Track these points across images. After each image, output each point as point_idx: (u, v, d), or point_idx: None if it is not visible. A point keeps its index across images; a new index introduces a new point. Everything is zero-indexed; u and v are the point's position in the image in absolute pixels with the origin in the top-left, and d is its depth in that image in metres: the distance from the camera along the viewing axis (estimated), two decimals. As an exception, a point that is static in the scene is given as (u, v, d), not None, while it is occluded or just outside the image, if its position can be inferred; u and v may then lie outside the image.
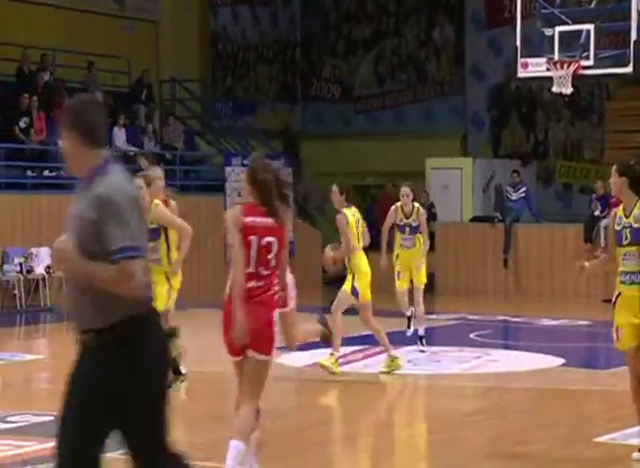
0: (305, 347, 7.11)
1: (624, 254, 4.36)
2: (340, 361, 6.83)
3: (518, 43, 9.67)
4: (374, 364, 7.37)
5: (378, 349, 7.39)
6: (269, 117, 16.83)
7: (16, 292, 11.65)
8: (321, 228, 14.68)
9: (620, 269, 4.34)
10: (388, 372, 6.88)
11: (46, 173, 13.14)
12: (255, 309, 3.78)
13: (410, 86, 16.29)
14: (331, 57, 17.15)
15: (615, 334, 4.37)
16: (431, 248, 9.54)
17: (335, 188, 7.11)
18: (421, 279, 8.17)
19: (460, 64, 15.76)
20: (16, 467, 5.01)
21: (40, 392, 7.79)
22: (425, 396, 7.04)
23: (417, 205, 8.28)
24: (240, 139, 15.91)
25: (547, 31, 9.35)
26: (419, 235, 8.26)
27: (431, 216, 12.33)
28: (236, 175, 13.80)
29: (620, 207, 4.37)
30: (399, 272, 7.97)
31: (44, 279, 11.63)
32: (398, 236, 8.17)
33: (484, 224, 13.43)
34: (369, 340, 7.94)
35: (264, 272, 3.82)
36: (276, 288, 3.93)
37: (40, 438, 5.29)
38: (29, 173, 13.05)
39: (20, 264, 11.76)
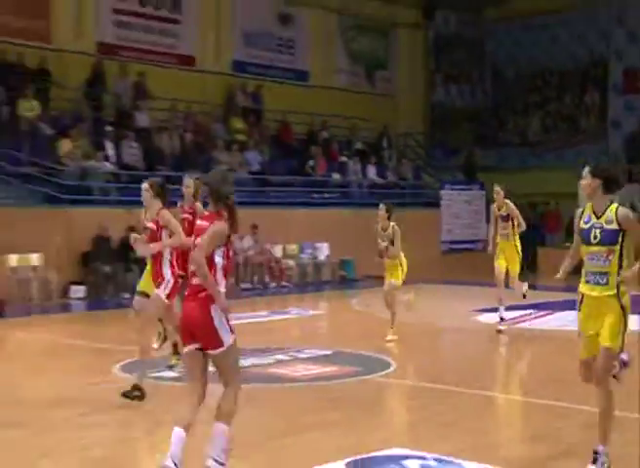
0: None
1: (590, 254, 4.10)
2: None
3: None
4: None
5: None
6: (469, 157, 20.93)
7: (308, 270, 15.66)
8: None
9: (584, 269, 4.10)
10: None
11: (326, 195, 16.99)
12: (196, 306, 3.71)
13: (567, 134, 20.46)
14: (512, 115, 21.44)
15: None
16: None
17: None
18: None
19: (604, 119, 19.92)
20: (319, 381, 6.53)
21: (320, 333, 10.44)
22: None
23: (506, 200, 9.19)
24: (450, 172, 20.24)
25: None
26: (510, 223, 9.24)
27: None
28: (448, 196, 18.27)
29: (589, 205, 4.11)
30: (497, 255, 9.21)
31: (322, 263, 15.84)
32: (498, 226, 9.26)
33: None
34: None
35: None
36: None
37: (331, 365, 7.20)
38: (315, 195, 16.76)
39: (310, 253, 15.97)
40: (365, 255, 11.86)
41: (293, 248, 15.67)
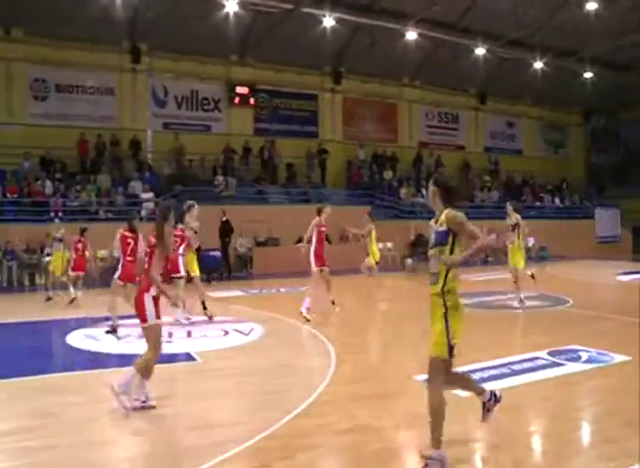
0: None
1: (430, 257, 4.48)
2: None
3: None
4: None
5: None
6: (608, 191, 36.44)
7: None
8: None
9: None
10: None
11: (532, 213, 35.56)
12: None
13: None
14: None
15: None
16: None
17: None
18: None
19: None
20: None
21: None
22: None
23: (515, 214, 11.91)
24: (599, 200, 34.61)
25: None
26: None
27: None
28: (598, 212, 32.60)
29: None
30: None
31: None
32: None
33: None
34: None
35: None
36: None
37: (536, 300, 12.97)
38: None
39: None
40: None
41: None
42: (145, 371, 6.09)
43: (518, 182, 32.52)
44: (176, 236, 11.60)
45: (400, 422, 5.72)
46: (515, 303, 12.21)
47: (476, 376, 6.67)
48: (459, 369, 5.24)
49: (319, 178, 27.63)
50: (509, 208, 12.04)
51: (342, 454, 5.13)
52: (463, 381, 5.04)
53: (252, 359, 8.32)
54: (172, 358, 8.65)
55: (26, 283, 18.77)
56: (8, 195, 20.89)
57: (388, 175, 28.58)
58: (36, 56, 23.33)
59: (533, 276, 12.95)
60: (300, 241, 20.14)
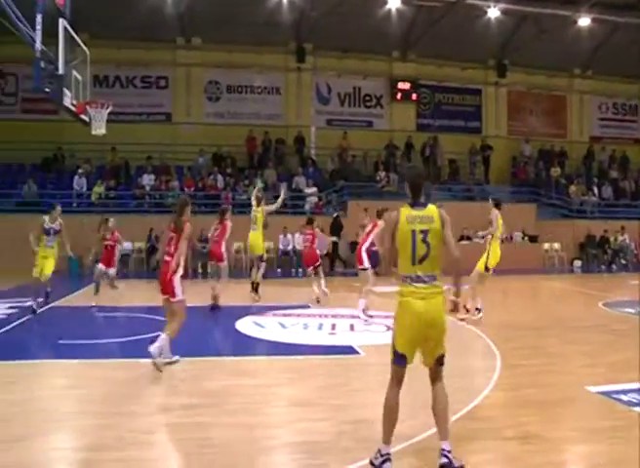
0: None
1: None
2: None
3: None
4: None
5: None
6: None
7: None
8: None
9: None
10: None
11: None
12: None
13: None
14: None
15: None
16: None
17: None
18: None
19: None
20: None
21: None
22: None
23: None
24: None
25: None
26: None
27: None
28: None
29: None
30: None
31: None
32: None
33: None
34: None
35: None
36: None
37: None
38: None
39: None
40: None
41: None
42: (174, 335, 7.29)
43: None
44: (306, 234, 13.67)
45: (572, 436, 5.40)
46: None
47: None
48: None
49: (482, 175, 26.91)
50: None
51: (510, 463, 4.94)
52: None
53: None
54: (335, 350, 8.83)
55: (199, 270, 19.92)
56: (185, 189, 22.47)
57: (556, 171, 27.34)
58: (211, 60, 25.05)
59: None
60: (462, 239, 20.48)
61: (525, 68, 27.97)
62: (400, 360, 4.64)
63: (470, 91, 28.11)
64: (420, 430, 5.38)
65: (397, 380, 4.66)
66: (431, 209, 4.64)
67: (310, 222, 14.16)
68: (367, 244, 11.02)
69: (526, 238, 24.09)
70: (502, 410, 6.10)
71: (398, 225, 4.61)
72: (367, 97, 27.15)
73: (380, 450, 4.61)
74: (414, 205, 4.65)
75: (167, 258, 7.29)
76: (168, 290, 7.31)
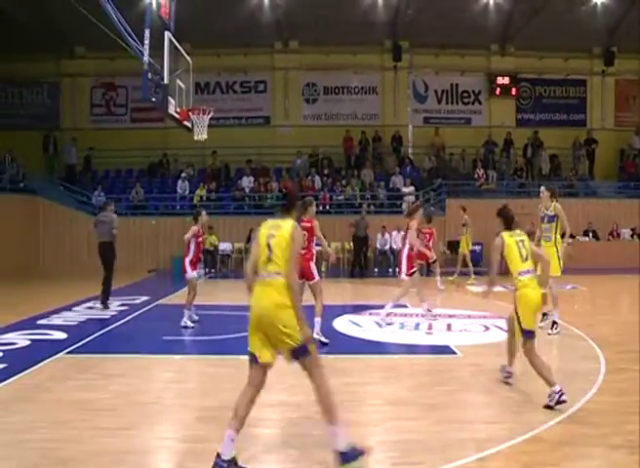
0: None
1: None
2: None
3: None
4: None
5: None
6: None
7: None
8: None
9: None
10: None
11: None
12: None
13: None
14: None
15: None
16: None
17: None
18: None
19: None
20: None
21: None
22: None
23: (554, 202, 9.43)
24: None
25: None
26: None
27: None
28: None
29: None
30: None
31: None
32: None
33: None
34: None
35: None
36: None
37: None
38: None
39: None
40: None
41: None
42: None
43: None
44: (424, 233, 13.30)
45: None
46: None
47: None
48: None
49: (586, 170, 25.80)
50: None
51: (617, 472, 4.74)
52: None
53: (512, 357, 8.04)
54: (432, 349, 8.78)
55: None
56: (283, 190, 22.87)
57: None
58: (308, 63, 25.47)
59: None
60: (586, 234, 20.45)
61: (636, 55, 26.45)
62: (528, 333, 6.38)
63: (574, 82, 27.01)
64: (511, 434, 5.27)
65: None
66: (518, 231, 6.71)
67: (429, 221, 14.18)
68: (406, 250, 10.47)
69: (635, 236, 22.83)
70: (608, 417, 5.85)
71: (506, 242, 6.56)
72: (465, 94, 26.69)
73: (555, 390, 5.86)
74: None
75: (302, 251, 7.57)
76: (307, 274, 8.53)
